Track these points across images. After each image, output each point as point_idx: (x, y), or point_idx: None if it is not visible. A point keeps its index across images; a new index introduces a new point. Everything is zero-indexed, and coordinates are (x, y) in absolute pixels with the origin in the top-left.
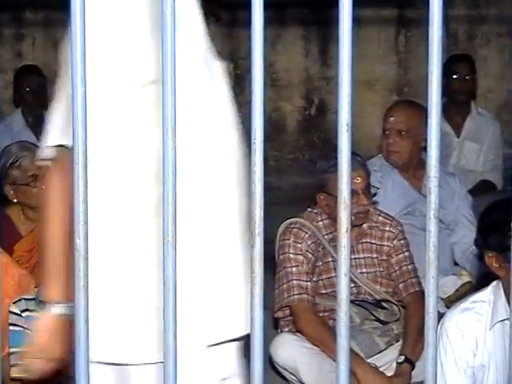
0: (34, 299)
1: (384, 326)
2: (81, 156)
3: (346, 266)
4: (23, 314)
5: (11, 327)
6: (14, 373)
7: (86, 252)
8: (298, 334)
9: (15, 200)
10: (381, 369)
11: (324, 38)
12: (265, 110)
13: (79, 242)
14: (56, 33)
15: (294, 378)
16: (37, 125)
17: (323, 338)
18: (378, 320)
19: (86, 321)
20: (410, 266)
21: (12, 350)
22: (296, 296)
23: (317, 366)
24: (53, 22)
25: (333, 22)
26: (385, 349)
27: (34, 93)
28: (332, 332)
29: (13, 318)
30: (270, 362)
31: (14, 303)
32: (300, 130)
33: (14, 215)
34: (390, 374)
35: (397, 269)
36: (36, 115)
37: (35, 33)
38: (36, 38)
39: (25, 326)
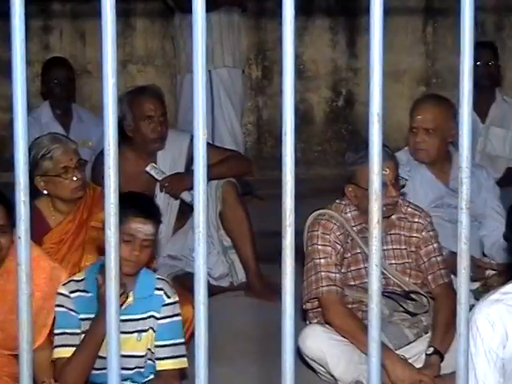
0: (83, 280)
1: (413, 318)
2: (112, 147)
3: (378, 257)
4: (72, 296)
5: (57, 308)
6: (57, 354)
7: (117, 243)
8: (326, 325)
9: (45, 191)
10: (410, 360)
11: (351, 28)
12: (302, 101)
13: (110, 232)
14: (83, 25)
15: (322, 369)
16: (64, 117)
17: (352, 329)
18: (406, 311)
19: (117, 312)
20: (438, 258)
21: (57, 330)
22: (325, 287)
23: (345, 357)
24: (80, 13)
25: (360, 12)
26: (414, 340)
27: (62, 85)
28: (361, 324)
29: (60, 299)
30: (298, 354)
31: (63, 285)
32: (327, 121)
33: (44, 207)
34: (418, 365)
35: (425, 260)
36: (64, 107)
37: (63, 25)
38: (63, 30)
39: (71, 307)
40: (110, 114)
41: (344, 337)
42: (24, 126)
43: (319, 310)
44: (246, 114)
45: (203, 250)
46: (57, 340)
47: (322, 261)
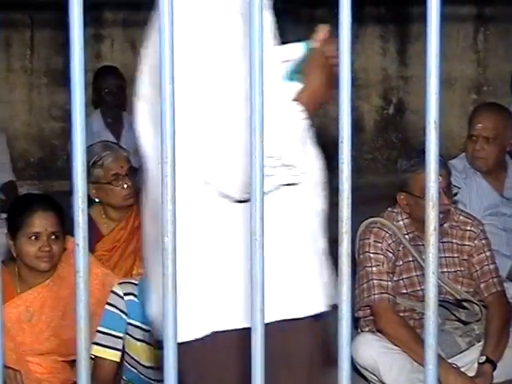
0: (137, 284)
1: (465, 327)
2: (169, 154)
3: (435, 264)
4: (125, 298)
5: (108, 306)
6: (97, 352)
7: (174, 251)
8: (378, 333)
9: (97, 199)
10: (462, 369)
11: (402, 36)
12: (355, 108)
13: (167, 240)
14: (134, 33)
15: (374, 377)
16: (115, 125)
17: (404, 338)
18: (459, 320)
19: (175, 321)
20: (491, 266)
21: (102, 328)
22: (376, 296)
23: (397, 365)
24: (131, 22)
25: (411, 20)
26: (466, 349)
27: (113, 94)
28: (413, 332)
29: (113, 298)
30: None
31: (119, 284)
32: (378, 129)
33: (96, 214)
34: (471, 374)
35: (478, 269)
36: (115, 116)
37: (114, 34)
38: (115, 39)
39: (122, 309)
40: (167, 121)
41: (396, 345)
42: (82, 134)
43: (371, 318)
44: None
45: (260, 258)
46: (99, 338)
47: (374, 269)
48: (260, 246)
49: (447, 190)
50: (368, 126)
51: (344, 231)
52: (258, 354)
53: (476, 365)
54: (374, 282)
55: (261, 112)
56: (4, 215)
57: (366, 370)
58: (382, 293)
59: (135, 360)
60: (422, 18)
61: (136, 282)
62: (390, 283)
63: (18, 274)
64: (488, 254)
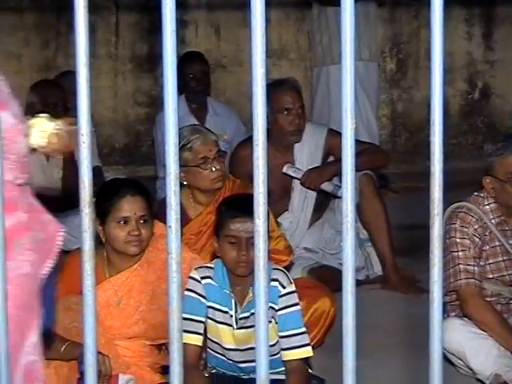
0: (213, 268)
1: None
2: (260, 137)
3: None
4: (202, 282)
5: (187, 292)
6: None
7: (266, 233)
8: (464, 318)
9: (185, 182)
10: None
11: (487, 20)
12: (444, 92)
13: (259, 222)
14: (218, 19)
15: (460, 362)
16: (200, 110)
17: (491, 322)
18: None
19: (266, 302)
20: None
21: (183, 315)
22: (463, 280)
23: (484, 350)
24: (215, 7)
25: (496, 3)
26: None
27: (197, 79)
28: (500, 317)
29: (191, 284)
30: None
31: (195, 269)
32: (463, 114)
33: (184, 198)
34: None
35: None
36: (199, 101)
37: (198, 20)
38: (199, 25)
39: (201, 293)
40: (258, 103)
41: (482, 330)
42: (174, 117)
43: (457, 303)
44: (380, 107)
45: (351, 239)
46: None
47: (461, 254)
48: (352, 228)
49: None
50: (453, 110)
51: (435, 213)
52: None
53: None
54: (461, 266)
55: (352, 99)
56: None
57: (453, 354)
58: (469, 278)
59: (217, 343)
60: (509, 0)
61: (212, 266)
62: (476, 268)
63: (106, 258)
64: None
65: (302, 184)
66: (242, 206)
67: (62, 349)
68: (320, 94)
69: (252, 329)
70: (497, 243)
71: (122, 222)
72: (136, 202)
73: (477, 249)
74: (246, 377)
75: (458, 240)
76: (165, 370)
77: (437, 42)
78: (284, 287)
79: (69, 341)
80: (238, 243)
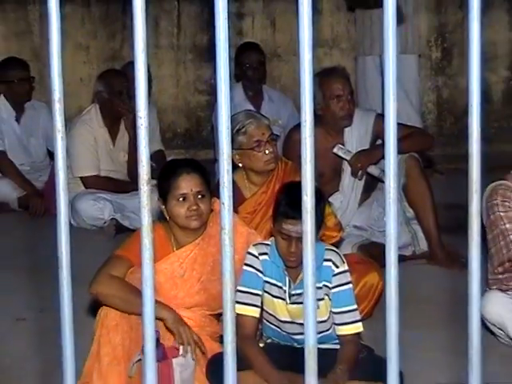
0: (270, 245)
1: None
2: (308, 117)
3: None
4: (260, 258)
5: (246, 267)
6: (239, 310)
7: (313, 209)
8: (507, 292)
9: (240, 164)
10: None
11: None
12: (486, 79)
13: (306, 198)
14: (274, 11)
15: (502, 332)
16: (256, 97)
17: None
18: None
19: (313, 274)
20: None
21: (241, 288)
22: None
23: None
24: (271, 0)
25: None
26: None
27: (254, 68)
28: None
29: (250, 259)
30: None
31: (253, 245)
32: (505, 99)
33: (239, 179)
34: None
35: None
36: (255, 89)
37: (254, 12)
38: (255, 17)
39: (259, 268)
40: (306, 90)
41: None
42: (226, 101)
43: (499, 276)
44: (426, 94)
45: (394, 215)
46: (239, 296)
47: (508, 226)
48: (394, 204)
49: None
50: (495, 96)
51: (474, 191)
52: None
53: None
54: (511, 237)
55: (394, 85)
56: (154, 181)
57: (494, 325)
58: None
59: (272, 316)
60: None
61: (269, 243)
62: None
63: (172, 234)
64: None
65: (350, 165)
66: (296, 204)
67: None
68: (365, 81)
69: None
70: None
71: (181, 199)
72: (192, 179)
73: None
74: (299, 346)
75: (502, 214)
76: (223, 340)
77: (475, 29)
78: (337, 266)
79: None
80: (288, 240)
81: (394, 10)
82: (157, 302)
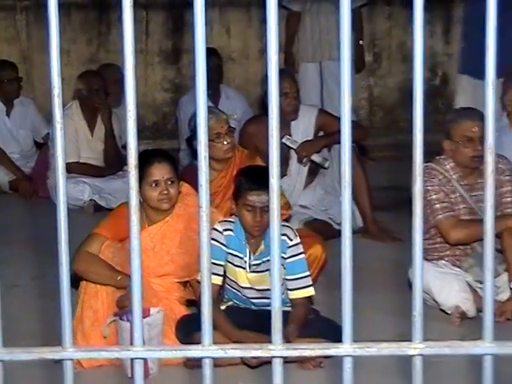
0: (233, 223)
1: (501, 255)
2: (274, 115)
3: (491, 200)
4: (224, 233)
5: (212, 241)
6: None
7: (279, 190)
8: (432, 262)
9: None
10: (499, 290)
11: (446, 20)
12: (408, 79)
13: (273, 181)
14: (229, 20)
15: (428, 296)
16: (214, 95)
17: (474, 230)
18: (496, 249)
19: (279, 246)
20: (509, 199)
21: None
22: (441, 215)
23: (447, 287)
24: (226, 10)
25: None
26: (501, 274)
27: (212, 70)
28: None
29: (215, 234)
30: (408, 284)
31: (219, 222)
32: (427, 97)
33: None
34: (506, 294)
35: (498, 199)
36: (214, 88)
37: (212, 21)
38: (213, 26)
39: (223, 242)
40: (273, 88)
41: (474, 241)
42: (204, 97)
43: (427, 247)
44: (359, 92)
45: (349, 196)
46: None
47: (434, 196)
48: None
49: (482, 139)
50: None
51: (417, 174)
52: None
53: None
54: (437, 205)
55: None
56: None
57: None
58: (446, 212)
59: (234, 281)
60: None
61: (233, 220)
62: (449, 205)
63: (144, 213)
64: (510, 188)
65: (296, 153)
66: (258, 179)
67: (118, 278)
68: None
69: (262, 273)
70: (457, 194)
71: (153, 185)
72: (163, 167)
73: (444, 194)
74: (256, 308)
75: (429, 188)
76: (189, 304)
77: (418, 37)
78: (291, 240)
79: (122, 273)
80: (253, 211)
81: (349, 25)
82: (123, 274)
